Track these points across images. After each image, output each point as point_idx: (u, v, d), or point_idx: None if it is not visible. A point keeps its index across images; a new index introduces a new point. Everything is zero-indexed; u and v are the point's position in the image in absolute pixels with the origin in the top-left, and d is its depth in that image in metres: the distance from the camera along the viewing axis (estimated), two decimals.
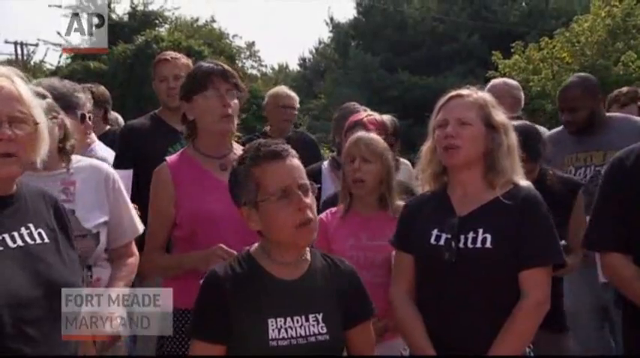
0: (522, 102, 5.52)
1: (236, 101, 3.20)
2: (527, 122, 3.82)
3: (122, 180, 3.54)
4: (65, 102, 3.24)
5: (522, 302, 2.48)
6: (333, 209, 3.39)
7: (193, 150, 3.25)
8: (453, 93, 2.72)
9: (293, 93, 6.25)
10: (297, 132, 6.42)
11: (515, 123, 3.41)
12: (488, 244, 2.50)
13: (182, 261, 3.03)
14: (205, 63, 3.47)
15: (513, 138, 2.67)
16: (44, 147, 2.25)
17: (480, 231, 2.52)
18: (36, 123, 2.18)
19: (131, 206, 3.34)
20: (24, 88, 2.21)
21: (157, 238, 3.21)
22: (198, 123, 3.21)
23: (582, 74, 6.27)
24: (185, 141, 4.18)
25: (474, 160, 2.61)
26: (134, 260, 3.23)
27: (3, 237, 2.10)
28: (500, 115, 2.67)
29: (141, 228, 3.32)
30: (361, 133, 3.42)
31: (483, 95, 2.73)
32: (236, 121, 3.23)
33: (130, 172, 3.79)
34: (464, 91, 2.73)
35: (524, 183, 2.67)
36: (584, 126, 4.51)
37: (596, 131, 4.40)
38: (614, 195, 2.73)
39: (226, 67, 3.35)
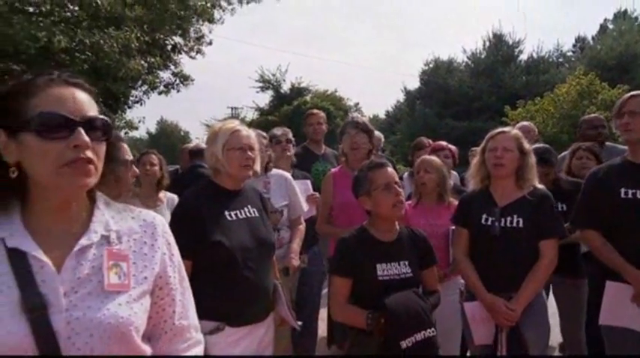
0: (536, 133, 4.94)
1: (363, 139, 3.16)
2: (546, 144, 3.64)
3: (303, 185, 3.58)
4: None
5: (540, 260, 2.42)
6: (409, 201, 3.26)
7: (347, 166, 3.26)
8: (500, 130, 2.64)
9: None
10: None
11: (540, 145, 3.41)
12: (520, 225, 2.44)
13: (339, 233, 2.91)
14: (349, 117, 3.44)
15: (533, 158, 2.58)
16: (260, 163, 2.37)
17: (515, 216, 2.45)
18: (257, 150, 2.31)
19: (300, 196, 3.29)
20: (249, 130, 2.35)
21: (323, 215, 3.26)
22: (346, 153, 3.24)
23: None
24: (321, 160, 4.31)
25: (510, 173, 2.53)
26: (302, 227, 3.23)
27: (236, 212, 2.20)
28: (527, 145, 2.58)
29: (305, 207, 3.32)
30: (427, 156, 3.34)
31: (518, 132, 2.63)
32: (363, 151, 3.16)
33: (308, 181, 3.70)
34: (506, 129, 2.65)
35: (540, 186, 2.57)
36: None
37: None
38: (590, 194, 2.59)
39: (356, 118, 3.32)
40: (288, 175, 3.28)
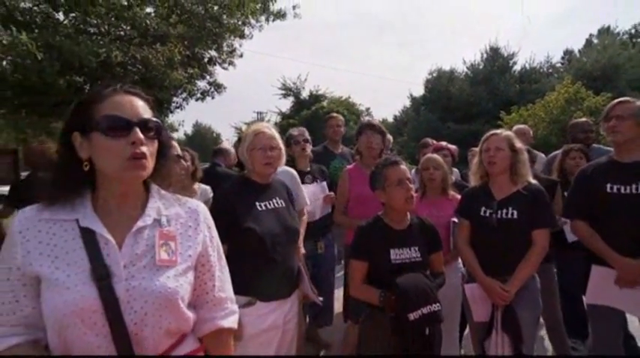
0: (531, 134, 4.86)
1: (378, 140, 3.13)
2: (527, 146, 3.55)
3: (320, 188, 3.47)
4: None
5: (533, 248, 2.38)
6: (415, 194, 3.20)
7: (361, 163, 3.23)
8: (492, 132, 2.60)
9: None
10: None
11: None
12: (515, 216, 2.39)
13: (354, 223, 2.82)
14: (363, 120, 3.36)
15: (526, 155, 2.54)
16: (283, 162, 2.34)
17: (510, 208, 2.41)
18: (280, 149, 2.28)
19: (304, 190, 3.13)
20: (275, 132, 2.30)
21: (340, 206, 3.20)
22: (361, 151, 3.21)
23: None
24: (338, 158, 4.16)
25: (504, 169, 2.49)
26: (305, 218, 3.04)
27: (266, 203, 2.19)
28: (519, 143, 2.52)
29: (308, 201, 3.17)
30: (433, 155, 3.25)
31: (509, 133, 2.58)
32: (378, 150, 3.09)
33: (324, 183, 3.53)
34: (498, 131, 2.61)
35: (533, 181, 2.52)
36: None
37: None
38: (579, 189, 2.55)
39: (373, 121, 3.26)
40: (294, 172, 3.19)
